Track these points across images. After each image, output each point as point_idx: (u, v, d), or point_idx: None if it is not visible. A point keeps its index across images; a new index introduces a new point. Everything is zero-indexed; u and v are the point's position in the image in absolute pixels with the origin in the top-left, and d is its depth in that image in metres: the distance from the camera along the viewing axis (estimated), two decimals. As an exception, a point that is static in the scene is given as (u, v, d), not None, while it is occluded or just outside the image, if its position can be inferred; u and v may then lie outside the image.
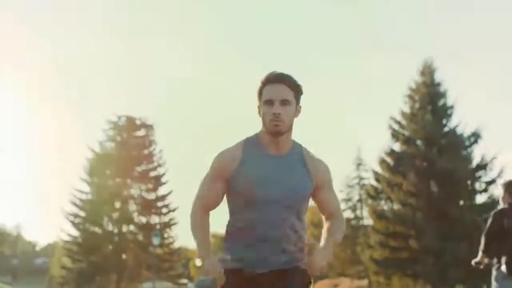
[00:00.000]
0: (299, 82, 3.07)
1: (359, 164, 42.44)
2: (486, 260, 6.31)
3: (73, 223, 37.82)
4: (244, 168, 3.00)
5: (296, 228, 3.04)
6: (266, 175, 2.98)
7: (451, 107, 30.83)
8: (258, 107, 3.08)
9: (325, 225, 3.21)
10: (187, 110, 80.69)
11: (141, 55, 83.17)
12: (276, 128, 2.98)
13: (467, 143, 30.38)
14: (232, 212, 3.08)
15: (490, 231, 6.20)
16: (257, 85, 3.09)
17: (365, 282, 37.86)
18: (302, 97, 3.10)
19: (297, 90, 3.04)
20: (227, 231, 3.11)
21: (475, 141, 30.28)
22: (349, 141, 68.57)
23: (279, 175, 3.00)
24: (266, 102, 3.00)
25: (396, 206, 30.71)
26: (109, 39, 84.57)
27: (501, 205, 6.43)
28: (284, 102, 2.98)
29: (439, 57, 67.65)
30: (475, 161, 30.13)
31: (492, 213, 6.35)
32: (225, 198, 3.12)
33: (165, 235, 38.26)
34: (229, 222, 3.11)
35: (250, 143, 3.08)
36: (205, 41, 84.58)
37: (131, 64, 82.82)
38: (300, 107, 3.10)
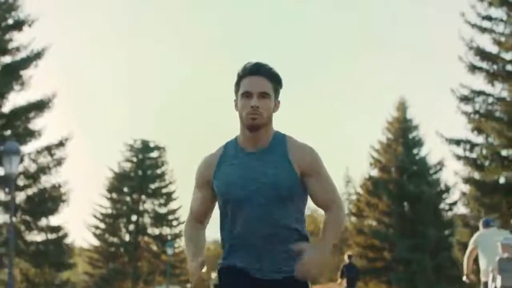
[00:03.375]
0: (278, 73, 3.06)
1: (347, 182, 50.50)
2: (343, 282, 15.29)
3: (94, 234, 45.09)
4: (220, 170, 3.02)
5: (284, 226, 2.98)
6: (240, 174, 2.97)
7: (420, 139, 38.78)
8: (235, 100, 3.05)
9: (324, 218, 3.10)
10: (194, 126, 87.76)
11: (144, 61, 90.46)
12: (254, 122, 2.95)
13: (433, 170, 38.38)
14: (220, 217, 3.11)
15: (341, 272, 15.43)
16: (234, 77, 3.05)
17: None
18: (281, 91, 3.08)
19: (276, 82, 3.03)
20: (221, 237, 3.15)
21: (440, 169, 38.23)
22: (340, 154, 75.85)
23: (254, 172, 2.97)
24: (243, 94, 2.98)
25: (373, 223, 38.71)
26: (110, 41, 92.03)
27: (346, 262, 15.59)
28: (263, 95, 2.96)
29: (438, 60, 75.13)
30: (441, 185, 38.15)
31: (342, 265, 15.32)
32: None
33: (176, 245, 45.92)
34: (220, 227, 3.13)
35: (229, 145, 3.09)
36: (205, 46, 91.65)
37: (132, 70, 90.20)
38: (279, 101, 3.08)
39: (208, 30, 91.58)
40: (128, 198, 45.44)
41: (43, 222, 24.28)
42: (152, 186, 45.89)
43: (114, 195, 45.46)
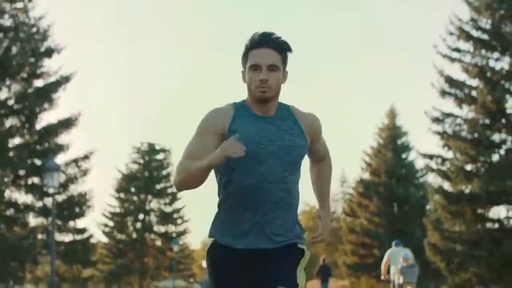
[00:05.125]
0: (287, 43, 3.11)
1: (343, 182, 55.16)
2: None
3: (103, 231, 49.02)
4: (237, 124, 3.06)
5: (292, 192, 3.09)
6: (259, 133, 3.04)
7: (409, 145, 43.34)
8: (243, 72, 3.11)
9: (313, 169, 3.40)
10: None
11: (145, 64, 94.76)
12: (263, 95, 3.03)
13: (420, 174, 42.94)
14: (223, 174, 3.10)
15: (317, 272, 20.25)
16: (242, 49, 3.11)
17: (346, 282, 50.33)
18: (290, 58, 3.14)
19: (285, 53, 3.10)
20: (219, 196, 3.14)
21: (426, 173, 42.72)
22: (337, 155, 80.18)
23: (272, 134, 3.05)
24: (252, 67, 3.04)
25: (364, 223, 43.33)
26: (110, 42, 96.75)
27: (321, 263, 20.03)
28: (271, 68, 3.02)
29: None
30: (427, 188, 42.67)
31: (318, 266, 19.85)
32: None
33: (180, 242, 50.26)
34: (220, 186, 3.14)
35: (239, 105, 3.13)
36: (205, 46, 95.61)
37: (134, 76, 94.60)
38: (287, 72, 3.14)
39: (209, 30, 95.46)
40: (135, 198, 49.32)
41: (71, 224, 28.97)
42: (158, 186, 49.68)
43: (122, 195, 49.32)
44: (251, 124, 3.07)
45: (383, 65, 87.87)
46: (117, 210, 49.32)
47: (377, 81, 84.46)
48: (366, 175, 43.87)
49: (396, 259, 15.01)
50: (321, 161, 3.37)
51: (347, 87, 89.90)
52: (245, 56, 3.08)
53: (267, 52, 3.03)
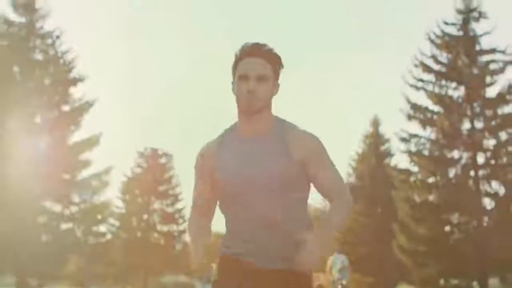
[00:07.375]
0: (278, 54, 3.08)
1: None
2: None
3: (109, 231, 54.86)
4: (219, 161, 3.10)
5: (282, 216, 3.03)
6: (236, 162, 3.05)
7: (390, 151, 49.76)
8: (232, 83, 3.10)
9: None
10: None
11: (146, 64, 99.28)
12: (250, 107, 3.02)
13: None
14: (220, 208, 3.23)
15: None
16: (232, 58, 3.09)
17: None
18: (281, 71, 3.11)
19: (276, 63, 3.07)
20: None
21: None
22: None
23: (251, 160, 3.03)
24: (240, 77, 3.03)
25: (350, 222, 49.71)
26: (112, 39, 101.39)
27: None
28: (261, 78, 3.01)
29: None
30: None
31: None
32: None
33: (182, 241, 56.00)
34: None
35: (228, 131, 3.16)
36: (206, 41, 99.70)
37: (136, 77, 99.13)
38: (279, 84, 3.11)
39: (212, 33, 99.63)
40: (139, 199, 54.32)
41: (94, 229, 35.47)
42: (161, 188, 54.74)
43: (127, 197, 54.61)
44: (234, 152, 3.09)
45: (372, 70, 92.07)
46: (123, 211, 54.18)
47: (364, 88, 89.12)
48: (352, 179, 50.31)
49: (336, 263, 21.20)
50: (332, 199, 3.16)
51: (335, 92, 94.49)
52: (235, 66, 3.10)
53: (256, 61, 3.04)
